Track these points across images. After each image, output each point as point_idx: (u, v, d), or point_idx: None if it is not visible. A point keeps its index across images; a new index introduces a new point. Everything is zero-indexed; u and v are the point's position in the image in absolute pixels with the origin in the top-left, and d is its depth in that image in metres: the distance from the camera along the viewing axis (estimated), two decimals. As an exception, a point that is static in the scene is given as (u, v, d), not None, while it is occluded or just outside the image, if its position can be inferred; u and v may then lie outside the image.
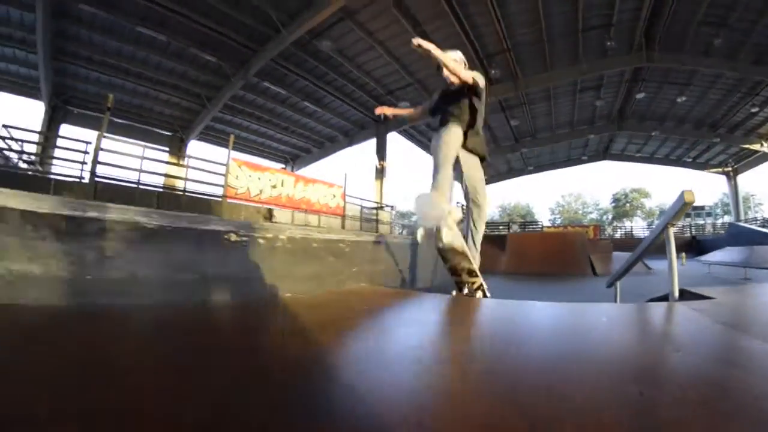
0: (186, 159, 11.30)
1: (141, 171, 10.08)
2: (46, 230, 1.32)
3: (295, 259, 1.75)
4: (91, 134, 15.18)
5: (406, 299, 2.10)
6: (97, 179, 9.42)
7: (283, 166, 23.84)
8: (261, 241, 1.63)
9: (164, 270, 1.48)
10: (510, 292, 6.75)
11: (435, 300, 2.18)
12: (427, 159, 25.23)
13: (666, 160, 28.51)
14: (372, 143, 19.82)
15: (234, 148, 12.04)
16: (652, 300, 2.82)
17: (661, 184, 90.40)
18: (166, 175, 12.08)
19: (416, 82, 16.23)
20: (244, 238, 1.59)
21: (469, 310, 1.98)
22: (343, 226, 12.99)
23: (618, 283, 4.11)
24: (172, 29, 12.73)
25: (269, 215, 10.99)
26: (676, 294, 2.21)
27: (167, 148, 16.00)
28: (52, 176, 9.60)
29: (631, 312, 2.01)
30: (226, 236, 1.53)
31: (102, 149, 9.45)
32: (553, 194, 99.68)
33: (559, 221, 50.95)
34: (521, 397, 0.90)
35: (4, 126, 10.18)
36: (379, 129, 19.09)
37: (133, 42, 13.44)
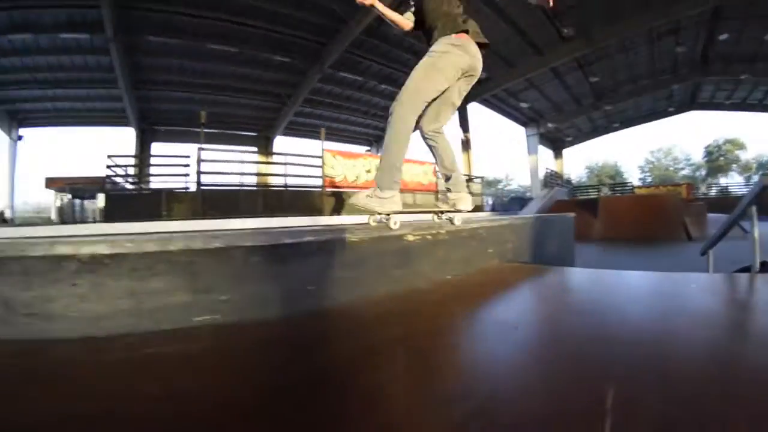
0: (280, 156, 11.63)
1: (241, 174, 10.40)
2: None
3: (451, 248, 2.06)
4: (178, 147, 16.98)
5: (529, 273, 2.32)
6: (202, 188, 9.89)
7: (368, 148, 24.07)
8: (429, 237, 1.93)
9: (376, 268, 1.72)
10: (606, 262, 6.85)
11: (550, 272, 2.34)
12: (510, 125, 22.65)
13: (760, 106, 25.31)
14: (455, 116, 19.26)
15: (313, 137, 13.08)
16: (736, 271, 2.80)
17: (758, 134, 79.12)
18: (262, 174, 12.56)
19: (489, 50, 15.56)
20: (418, 236, 1.89)
21: (573, 281, 2.27)
22: (435, 202, 12.76)
23: (711, 251, 3.85)
24: (241, 39, 13.32)
25: None
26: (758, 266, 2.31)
27: (255, 148, 16.81)
28: (162, 189, 10.29)
29: (720, 283, 2.03)
30: (405, 237, 1.84)
31: (203, 160, 9.95)
32: (642, 151, 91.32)
33: (649, 180, 46.64)
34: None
35: (108, 156, 11.03)
36: None
37: (206, 58, 14.22)
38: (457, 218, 2.26)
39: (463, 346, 1.22)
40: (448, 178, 2.30)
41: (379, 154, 17.41)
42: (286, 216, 9.11)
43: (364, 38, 13.95)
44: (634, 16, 13.77)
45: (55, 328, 1.20)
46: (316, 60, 14.78)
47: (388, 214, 1.97)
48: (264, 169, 13.14)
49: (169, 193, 10.08)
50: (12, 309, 1.20)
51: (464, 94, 2.15)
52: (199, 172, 9.83)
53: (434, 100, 2.04)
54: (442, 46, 1.98)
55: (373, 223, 2.06)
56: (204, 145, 10.15)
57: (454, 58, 1.97)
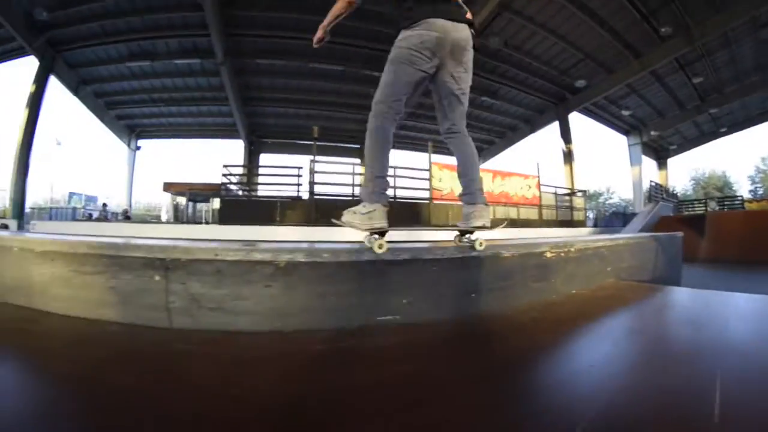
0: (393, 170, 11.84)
1: (351, 185, 10.76)
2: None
3: (577, 264, 2.11)
4: (283, 158, 18.12)
5: (644, 292, 2.32)
6: (315, 197, 10.43)
7: None
8: (562, 254, 1.99)
9: (521, 280, 1.85)
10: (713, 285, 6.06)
11: (662, 291, 2.35)
12: (611, 135, 22.24)
13: None
14: (555, 127, 18.96)
15: (422, 150, 13.48)
16: None
17: None
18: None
19: (586, 57, 15.19)
20: (554, 253, 1.96)
21: (683, 301, 2.24)
22: (540, 217, 12.68)
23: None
24: (344, 58, 13.84)
25: None
26: None
27: (360, 160, 16.92)
28: (277, 199, 10.91)
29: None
30: (544, 253, 1.92)
31: (316, 171, 10.55)
32: (752, 158, 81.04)
33: (761, 192, 39.61)
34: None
35: (224, 166, 12.01)
36: (559, 111, 18.22)
37: (309, 77, 15.22)
38: (478, 242, 1.79)
39: (599, 352, 1.30)
40: (465, 189, 1.92)
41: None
42: (396, 229, 9.18)
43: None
44: (735, 5, 12.52)
45: (242, 321, 1.37)
46: None
47: (372, 233, 1.71)
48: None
49: (283, 200, 10.68)
50: (198, 304, 1.38)
51: (464, 77, 1.84)
52: (312, 183, 10.37)
53: (441, 101, 1.87)
54: (400, 35, 1.78)
55: (368, 244, 1.73)
56: (316, 157, 10.67)
57: (414, 40, 1.73)
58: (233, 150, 19.63)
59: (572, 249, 2.07)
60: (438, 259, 1.60)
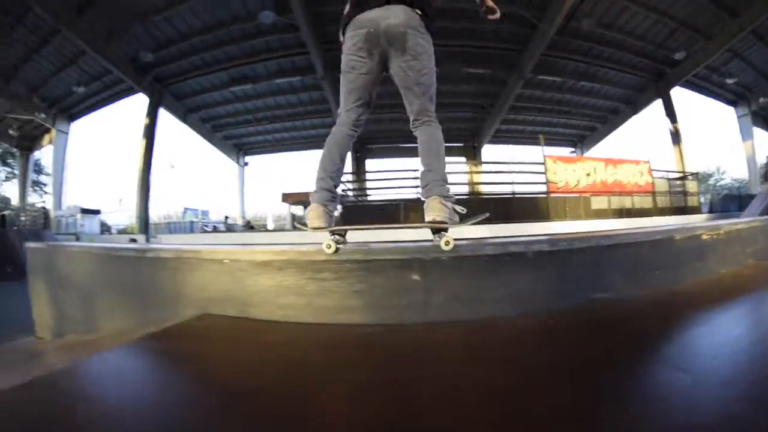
0: (496, 165, 12.72)
1: (468, 184, 11.38)
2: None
3: (726, 245, 2.23)
4: (389, 162, 18.81)
5: None
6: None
7: (572, 150, 23.33)
8: (714, 236, 2.14)
9: (682, 261, 1.99)
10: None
11: None
12: (719, 108, 20.44)
13: None
14: (658, 106, 18.03)
15: (523, 143, 14.50)
16: None
17: None
18: (474, 183, 13.46)
19: (680, 25, 14.43)
20: (708, 235, 2.13)
21: None
22: (654, 204, 12.37)
23: None
24: (439, 59, 14.19)
25: (588, 204, 10.99)
26: None
27: (464, 158, 17.90)
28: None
29: None
30: (701, 236, 2.09)
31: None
32: None
33: None
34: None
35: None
36: (660, 87, 17.32)
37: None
38: (444, 241, 1.54)
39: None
40: (420, 181, 1.76)
41: (582, 156, 16.80)
42: (518, 223, 9.46)
43: (555, 38, 13.91)
44: None
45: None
46: (512, 68, 15.19)
47: (319, 229, 1.67)
48: (476, 178, 14.01)
49: (406, 202, 11.39)
50: (456, 298, 1.56)
51: (413, 65, 1.72)
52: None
53: (402, 93, 1.81)
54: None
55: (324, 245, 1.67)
56: (447, 159, 11.26)
57: (348, 44, 1.74)
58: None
59: (720, 232, 2.23)
60: (622, 243, 1.87)
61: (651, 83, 17.64)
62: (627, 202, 11.94)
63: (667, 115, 17.31)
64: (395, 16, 1.65)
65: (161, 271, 1.88)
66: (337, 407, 0.90)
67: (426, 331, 1.42)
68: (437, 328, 1.44)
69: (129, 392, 1.08)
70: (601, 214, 10.89)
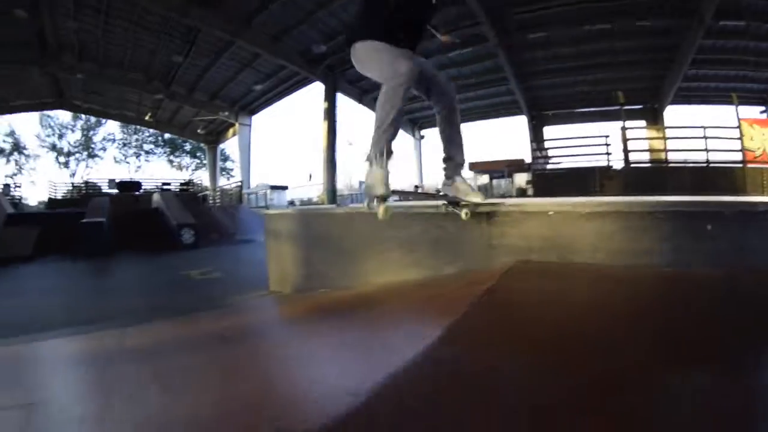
0: (681, 129, 12.06)
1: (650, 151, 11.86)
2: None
3: None
4: (567, 129, 17.93)
5: None
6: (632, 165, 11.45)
7: (763, 109, 17.93)
8: None
9: None
10: None
11: None
12: None
13: None
14: None
15: (713, 103, 13.11)
16: None
17: None
18: (656, 150, 12.58)
19: None
20: None
21: None
22: None
23: None
24: (611, 14, 13.58)
25: None
26: None
27: (644, 122, 16.57)
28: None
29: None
30: None
31: (629, 138, 11.38)
32: None
33: None
34: None
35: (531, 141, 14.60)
36: None
37: (580, 41, 15.14)
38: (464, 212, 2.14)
39: None
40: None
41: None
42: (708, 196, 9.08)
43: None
44: None
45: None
46: (692, 15, 13.20)
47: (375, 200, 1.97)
48: (657, 144, 12.97)
49: (602, 169, 11.43)
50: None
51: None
52: (626, 151, 11.25)
53: None
54: None
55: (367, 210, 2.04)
56: (627, 123, 11.49)
57: None
58: (521, 126, 20.31)
59: None
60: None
61: None
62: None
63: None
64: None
65: (459, 227, 2.29)
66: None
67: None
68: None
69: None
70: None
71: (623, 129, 11.46)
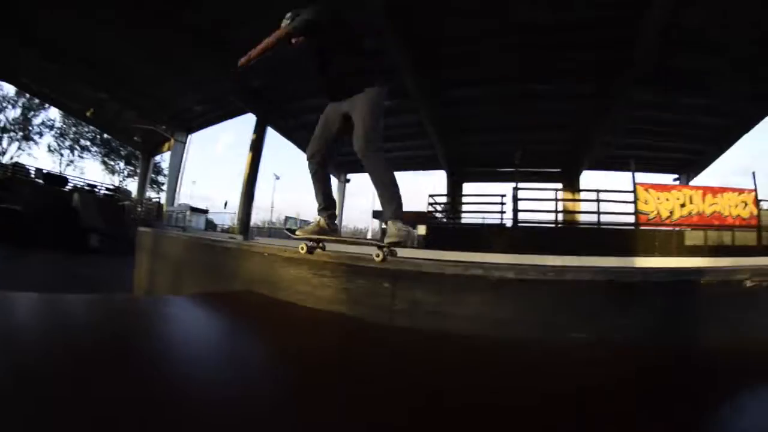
0: (589, 192, 12.10)
1: (553, 211, 11.53)
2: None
3: None
4: (486, 186, 17.83)
5: None
6: (519, 224, 11.30)
7: (676, 176, 19.92)
8: None
9: None
10: None
11: None
12: None
13: None
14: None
15: (623, 169, 13.15)
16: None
17: None
18: (569, 211, 12.97)
19: None
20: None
21: None
22: (758, 240, 10.90)
23: None
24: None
25: (681, 239, 10.41)
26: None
27: (560, 185, 16.68)
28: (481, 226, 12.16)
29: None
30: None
31: (519, 198, 11.40)
32: None
33: None
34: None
35: (430, 195, 13.98)
36: None
37: (497, 103, 14.92)
38: (375, 254, 2.07)
39: None
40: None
41: (685, 185, 14.33)
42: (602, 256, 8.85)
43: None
44: None
45: (456, 326, 1.66)
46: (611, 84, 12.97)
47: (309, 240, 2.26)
48: (571, 206, 13.37)
49: (489, 227, 11.76)
50: (419, 308, 1.75)
51: None
52: (515, 210, 11.21)
53: None
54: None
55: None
56: (519, 184, 11.54)
57: None
58: (436, 180, 20.44)
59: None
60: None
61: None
62: (727, 238, 10.77)
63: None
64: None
65: (223, 257, 2.87)
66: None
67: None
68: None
69: (183, 322, 1.93)
70: (695, 251, 9.89)
71: (515, 189, 11.58)
